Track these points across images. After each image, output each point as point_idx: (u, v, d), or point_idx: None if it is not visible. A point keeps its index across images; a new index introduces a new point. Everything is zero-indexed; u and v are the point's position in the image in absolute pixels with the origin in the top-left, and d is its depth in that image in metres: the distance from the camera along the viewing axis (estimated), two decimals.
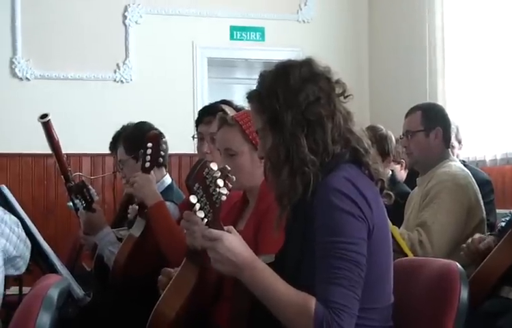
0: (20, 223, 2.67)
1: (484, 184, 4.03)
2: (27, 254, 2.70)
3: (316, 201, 1.92)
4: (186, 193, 3.70)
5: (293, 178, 1.96)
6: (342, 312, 1.82)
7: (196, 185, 1.87)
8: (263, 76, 2.08)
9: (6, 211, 2.52)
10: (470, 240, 3.20)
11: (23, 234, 2.64)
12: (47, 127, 3.54)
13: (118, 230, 3.64)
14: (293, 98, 1.98)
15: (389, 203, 2.08)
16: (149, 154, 3.29)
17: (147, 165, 3.29)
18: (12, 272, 2.55)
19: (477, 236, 3.24)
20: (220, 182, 1.90)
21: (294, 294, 1.87)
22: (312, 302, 1.84)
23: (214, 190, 1.89)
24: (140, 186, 3.25)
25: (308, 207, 1.94)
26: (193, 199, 1.87)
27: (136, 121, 3.97)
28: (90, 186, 3.70)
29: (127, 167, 3.76)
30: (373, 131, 4.53)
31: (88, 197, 3.61)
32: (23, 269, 2.73)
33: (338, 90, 2.06)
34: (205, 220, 1.89)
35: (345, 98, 2.07)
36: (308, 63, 2.06)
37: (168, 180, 3.77)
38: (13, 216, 2.59)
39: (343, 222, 1.87)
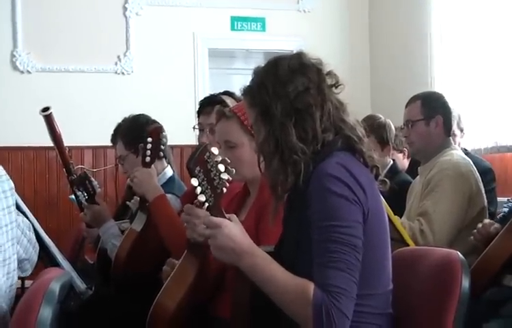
0: (32, 227, 2.67)
1: (486, 173, 4.03)
2: (35, 258, 2.71)
3: (310, 188, 1.93)
4: (188, 184, 3.71)
5: (284, 167, 1.99)
6: (340, 295, 1.83)
7: (198, 168, 1.87)
8: (255, 72, 2.12)
9: (19, 213, 2.52)
10: (480, 224, 3.19)
11: (33, 238, 2.65)
12: (49, 120, 3.52)
13: (120, 223, 3.64)
14: (281, 89, 2.01)
15: (384, 190, 2.10)
16: (150, 149, 3.28)
17: (148, 159, 3.28)
18: (19, 273, 2.56)
19: (487, 220, 3.23)
20: (222, 167, 1.91)
21: (292, 280, 1.88)
22: (310, 287, 1.85)
23: (215, 175, 1.90)
24: (140, 181, 3.24)
25: (302, 196, 1.95)
26: (194, 182, 1.87)
27: (137, 112, 3.96)
28: (92, 178, 3.69)
29: (127, 162, 3.75)
30: (371, 120, 4.54)
31: (90, 189, 3.60)
32: (29, 272, 2.74)
33: (330, 81, 2.08)
34: (206, 204, 1.90)
35: (336, 88, 2.09)
36: (297, 56, 2.08)
37: (169, 172, 3.76)
38: (25, 220, 2.60)
39: (337, 206, 1.88)
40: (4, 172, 2.29)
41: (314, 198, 1.91)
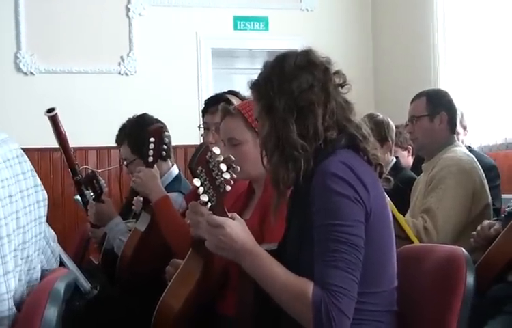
0: (56, 238, 2.67)
1: (489, 170, 4.02)
2: None
3: (313, 186, 1.93)
4: (192, 184, 3.72)
5: (284, 163, 1.99)
6: (340, 295, 1.83)
7: (200, 168, 1.88)
8: (264, 66, 2.12)
9: (47, 224, 2.52)
10: (479, 226, 3.19)
11: (57, 250, 2.64)
12: (54, 121, 3.52)
13: (126, 222, 3.65)
14: (286, 85, 2.02)
15: (388, 188, 2.09)
16: (152, 149, 3.28)
17: (150, 159, 3.28)
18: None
19: (486, 222, 3.22)
20: (223, 167, 1.92)
21: (292, 278, 1.89)
22: (310, 286, 1.85)
23: (217, 175, 1.91)
24: (144, 181, 3.24)
25: (305, 193, 1.95)
26: (196, 182, 1.88)
27: (141, 113, 3.96)
28: (100, 177, 3.70)
29: (134, 166, 3.75)
30: (369, 118, 4.54)
31: (98, 188, 3.62)
32: None
33: (337, 81, 2.08)
34: (209, 204, 1.90)
35: (342, 88, 2.09)
36: (305, 53, 2.08)
37: (175, 170, 3.77)
38: (51, 231, 2.60)
39: (338, 205, 1.88)
40: (40, 182, 2.29)
41: (316, 196, 1.91)
